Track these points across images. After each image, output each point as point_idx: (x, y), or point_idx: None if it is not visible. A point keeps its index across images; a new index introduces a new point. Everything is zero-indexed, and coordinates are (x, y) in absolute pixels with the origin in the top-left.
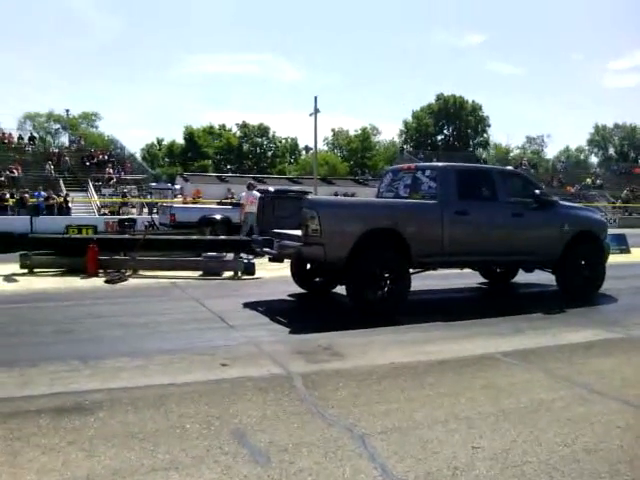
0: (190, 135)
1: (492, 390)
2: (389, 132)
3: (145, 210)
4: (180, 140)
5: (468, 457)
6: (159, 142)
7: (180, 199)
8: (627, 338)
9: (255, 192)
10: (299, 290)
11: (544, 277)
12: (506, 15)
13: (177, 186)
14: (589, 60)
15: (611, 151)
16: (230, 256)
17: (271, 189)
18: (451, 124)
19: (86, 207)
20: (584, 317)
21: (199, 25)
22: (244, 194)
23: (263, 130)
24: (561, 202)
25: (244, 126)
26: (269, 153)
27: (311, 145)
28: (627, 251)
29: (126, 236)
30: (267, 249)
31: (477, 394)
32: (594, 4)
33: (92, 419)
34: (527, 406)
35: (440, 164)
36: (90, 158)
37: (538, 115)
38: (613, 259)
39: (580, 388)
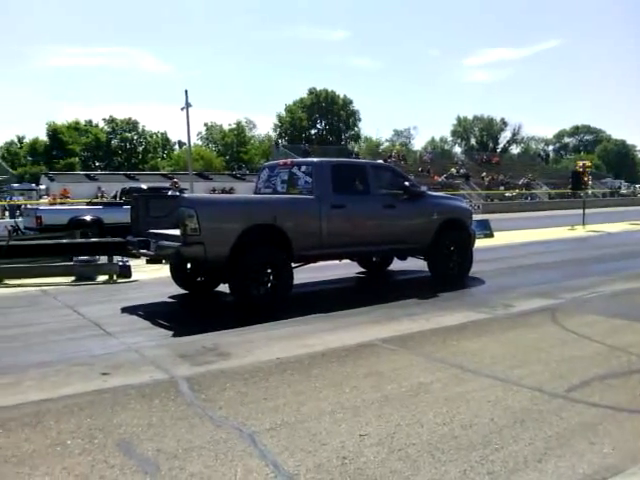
0: (54, 132)
1: (374, 377)
2: (264, 126)
3: (7, 213)
4: (43, 137)
5: (356, 445)
6: (20, 140)
7: (46, 200)
8: (494, 318)
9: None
10: (180, 291)
11: (418, 264)
12: (367, 12)
13: (42, 186)
14: (445, 57)
15: (472, 141)
16: (104, 259)
17: (144, 186)
18: (324, 118)
19: None
20: (455, 300)
21: (49, 16)
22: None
23: (132, 124)
24: (429, 192)
25: (111, 121)
26: (140, 148)
27: (183, 139)
28: (491, 235)
29: None
30: (144, 250)
31: (361, 382)
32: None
33: None
34: (408, 390)
35: (315, 159)
36: None
37: (404, 108)
38: (479, 243)
39: (455, 369)
